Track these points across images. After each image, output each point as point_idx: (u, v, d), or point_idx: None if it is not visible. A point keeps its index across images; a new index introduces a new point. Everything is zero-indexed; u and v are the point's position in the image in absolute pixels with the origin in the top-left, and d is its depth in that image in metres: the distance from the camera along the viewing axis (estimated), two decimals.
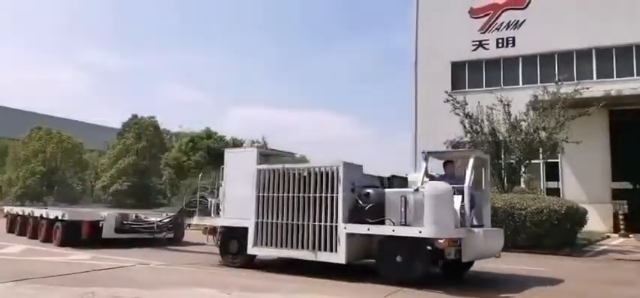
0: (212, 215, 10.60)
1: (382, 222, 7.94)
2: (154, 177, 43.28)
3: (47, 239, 13.45)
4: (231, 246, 9.80)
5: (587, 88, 17.54)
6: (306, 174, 8.70)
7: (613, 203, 19.91)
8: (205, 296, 7.01)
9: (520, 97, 18.55)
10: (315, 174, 8.57)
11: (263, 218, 9.12)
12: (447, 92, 19.48)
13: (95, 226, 12.95)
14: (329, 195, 8.34)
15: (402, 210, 7.72)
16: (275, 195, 9.04)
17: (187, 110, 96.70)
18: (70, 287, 7.06)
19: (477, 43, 23.15)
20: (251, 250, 9.28)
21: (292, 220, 8.73)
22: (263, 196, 9.18)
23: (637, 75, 19.96)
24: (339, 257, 8.14)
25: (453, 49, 23.33)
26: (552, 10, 21.69)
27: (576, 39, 20.86)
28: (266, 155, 10.04)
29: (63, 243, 12.63)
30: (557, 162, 20.56)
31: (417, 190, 7.81)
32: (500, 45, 22.68)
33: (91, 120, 66.56)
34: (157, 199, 42.39)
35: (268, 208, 9.07)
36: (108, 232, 12.99)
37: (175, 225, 13.57)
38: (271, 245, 8.99)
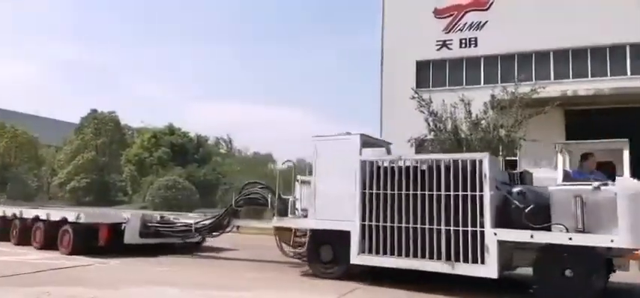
0: (285, 215, 9.18)
1: (547, 228, 6.50)
2: (114, 173, 42.16)
3: (47, 246, 11.33)
4: (324, 253, 8.30)
5: (544, 88, 18.14)
6: (434, 167, 7.32)
7: None
8: (166, 295, 6.88)
9: (482, 96, 18.97)
10: (451, 167, 7.20)
11: (373, 220, 7.64)
12: (413, 89, 19.73)
13: (116, 230, 10.87)
14: (470, 193, 6.93)
15: (578, 212, 6.31)
16: (389, 192, 7.59)
17: (149, 105, 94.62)
18: (24, 288, 6.78)
19: (441, 42, 23.59)
20: (356, 259, 7.70)
21: (416, 224, 7.27)
22: (371, 193, 7.73)
23: (591, 76, 20.81)
24: (488, 269, 6.68)
25: (418, 49, 23.69)
26: (513, 12, 22.33)
27: (535, 41, 21.55)
28: (370, 143, 8.69)
29: (75, 251, 10.62)
30: (516, 160, 21.21)
31: (597, 188, 6.38)
32: (463, 45, 23.19)
33: (48, 114, 64.15)
34: (116, 196, 41.33)
35: (380, 208, 7.62)
36: (131, 237, 10.88)
37: (217, 228, 11.25)
38: (386, 254, 7.45)
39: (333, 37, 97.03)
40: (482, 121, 17.78)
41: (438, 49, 23.62)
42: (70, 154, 40.75)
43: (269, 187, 10.52)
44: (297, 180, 9.44)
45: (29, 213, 12.37)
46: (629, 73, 20.31)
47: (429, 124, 18.44)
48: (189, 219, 12.75)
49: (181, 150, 41.67)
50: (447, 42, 23.53)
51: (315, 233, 8.39)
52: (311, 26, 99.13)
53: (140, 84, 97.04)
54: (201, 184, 35.22)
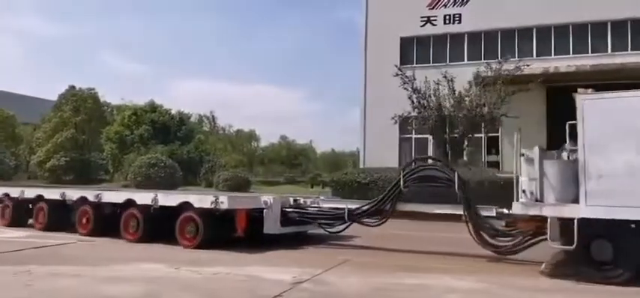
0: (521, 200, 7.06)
1: None
2: (95, 151, 41.51)
3: (150, 238, 9.19)
4: (601, 251, 6.40)
5: (528, 65, 18.30)
6: None
7: None
8: (151, 271, 6.82)
9: (465, 73, 19.14)
10: None
11: None
12: (396, 66, 19.73)
13: (254, 217, 8.89)
14: None
15: None
16: None
17: (129, 82, 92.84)
18: (4, 266, 6.65)
19: (426, 18, 23.50)
20: None
21: None
22: None
23: (573, 53, 21.01)
24: None
25: (402, 25, 23.57)
26: None
27: (518, 17, 21.61)
28: None
29: (202, 244, 8.53)
30: (498, 136, 21.45)
31: None
32: (447, 21, 23.13)
33: (25, 91, 62.53)
34: (98, 175, 40.76)
35: None
36: (272, 225, 8.92)
37: (377, 214, 8.98)
38: None
39: (316, 12, 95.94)
40: (466, 98, 17.97)
41: (422, 25, 23.54)
42: (49, 132, 39.88)
43: (447, 164, 8.85)
44: (522, 155, 7.55)
45: (143, 197, 9.67)
46: (609, 49, 20.55)
47: (412, 101, 18.57)
48: (330, 201, 10.41)
49: (163, 128, 41.13)
50: (431, 18, 23.45)
51: (585, 224, 6.34)
52: (293, 1, 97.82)
53: (117, 60, 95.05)
54: (184, 162, 34.89)
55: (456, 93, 17.89)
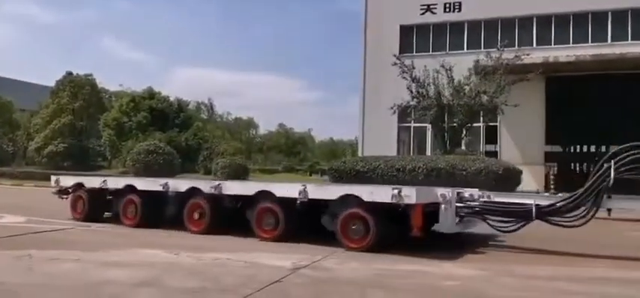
0: None
1: None
2: (93, 138, 41.46)
3: (283, 236, 7.95)
4: None
5: (528, 54, 18.28)
6: None
7: (545, 165, 21.15)
8: (150, 256, 6.83)
9: (465, 62, 19.10)
10: None
11: None
12: (395, 55, 19.68)
13: (429, 213, 7.31)
14: None
15: None
16: None
17: (127, 69, 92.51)
18: (4, 251, 6.66)
19: (426, 6, 23.40)
20: None
21: None
22: None
23: (573, 43, 20.97)
24: None
25: (402, 13, 23.48)
26: None
27: (518, 6, 21.54)
28: None
29: (373, 246, 7.18)
30: (496, 126, 21.47)
31: None
32: (447, 9, 23.05)
33: (22, 77, 62.23)
34: (96, 161, 40.75)
35: None
36: (448, 223, 7.40)
37: (574, 210, 7.31)
38: None
39: (317, 1, 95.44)
40: (466, 87, 17.97)
41: (422, 13, 23.44)
42: (47, 118, 39.77)
43: None
44: None
45: (283, 189, 8.22)
46: (609, 39, 20.51)
47: (411, 91, 18.57)
48: (505, 195, 8.92)
49: (161, 115, 41.06)
50: (431, 6, 23.35)
51: None
52: None
53: (116, 46, 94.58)
54: (182, 149, 34.89)
55: (456, 82, 17.87)
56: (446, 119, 18.11)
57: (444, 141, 18.14)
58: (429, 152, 21.73)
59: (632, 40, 20.05)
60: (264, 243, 8.00)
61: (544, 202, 7.64)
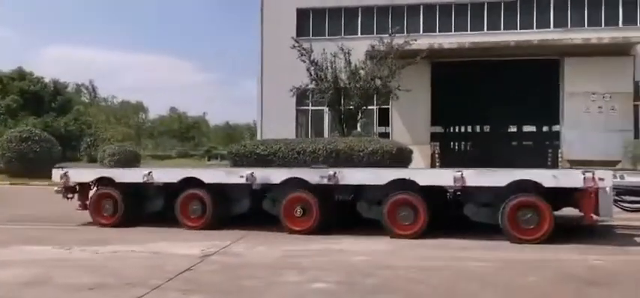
0: None
1: None
2: None
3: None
4: None
5: (415, 40, 19.41)
6: None
7: (431, 144, 22.79)
8: (39, 253, 6.20)
9: (360, 47, 19.75)
10: None
11: None
12: (293, 38, 19.74)
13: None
14: None
15: None
16: None
17: None
18: None
19: None
20: None
21: None
22: None
23: (455, 31, 22.68)
24: None
25: None
26: None
27: None
28: None
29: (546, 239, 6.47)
30: (388, 109, 22.61)
31: None
32: None
33: None
34: None
35: None
36: (606, 207, 6.71)
37: None
38: None
39: None
40: (361, 71, 18.60)
41: None
42: None
43: None
44: None
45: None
46: (485, 28, 22.52)
47: (310, 74, 18.78)
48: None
49: (35, 98, 37.07)
50: None
51: None
52: None
53: None
54: (61, 136, 31.84)
55: (352, 66, 18.40)
56: (342, 102, 18.62)
57: (341, 123, 18.66)
58: (326, 134, 22.24)
59: (504, 29, 22.23)
60: (172, 233, 7.59)
61: None
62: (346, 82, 18.43)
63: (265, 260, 5.86)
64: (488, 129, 42.29)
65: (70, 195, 8.56)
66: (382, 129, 23.91)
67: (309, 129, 23.56)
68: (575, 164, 17.99)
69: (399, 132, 21.84)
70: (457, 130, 44.98)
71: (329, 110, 20.04)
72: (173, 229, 7.71)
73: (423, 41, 20.57)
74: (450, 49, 20.89)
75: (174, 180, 8.05)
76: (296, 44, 18.82)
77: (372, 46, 19.06)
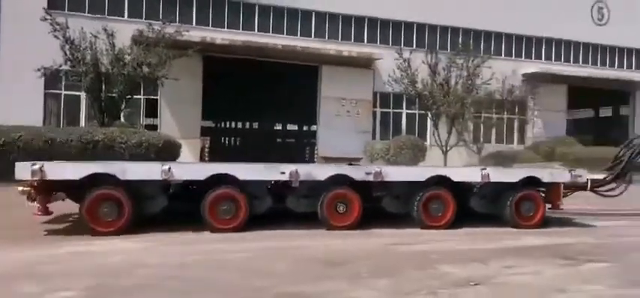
0: None
1: None
2: None
3: None
4: None
5: (187, 31, 19.00)
6: None
7: (201, 138, 22.66)
8: None
9: (125, 30, 18.30)
10: None
11: None
12: (44, 9, 17.10)
13: None
14: None
15: None
16: None
17: None
18: None
19: None
20: None
21: None
22: None
23: (228, 27, 22.99)
24: None
25: None
26: None
27: None
28: None
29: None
30: (157, 100, 21.60)
31: None
32: None
33: None
34: None
35: None
36: None
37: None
38: None
39: None
40: (126, 56, 17.25)
41: None
42: None
43: None
44: None
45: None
46: (256, 29, 23.52)
47: (65, 53, 16.51)
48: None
49: None
50: None
51: None
52: None
53: None
54: None
55: (116, 49, 16.97)
56: (103, 88, 16.99)
57: (102, 112, 17.01)
58: (83, 123, 19.92)
59: (273, 32, 23.55)
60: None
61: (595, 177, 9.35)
62: (109, 67, 16.91)
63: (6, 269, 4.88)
64: (257, 126, 44.36)
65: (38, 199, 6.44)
66: (150, 121, 22.74)
67: (62, 117, 20.72)
68: (328, 160, 20.35)
69: (168, 124, 21.06)
70: (228, 126, 45.89)
71: (87, 96, 18.05)
72: None
73: (195, 33, 20.31)
74: (223, 45, 21.12)
75: (201, 178, 7.01)
76: (48, 16, 16.38)
77: (140, 32, 17.93)
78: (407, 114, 25.20)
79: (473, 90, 21.17)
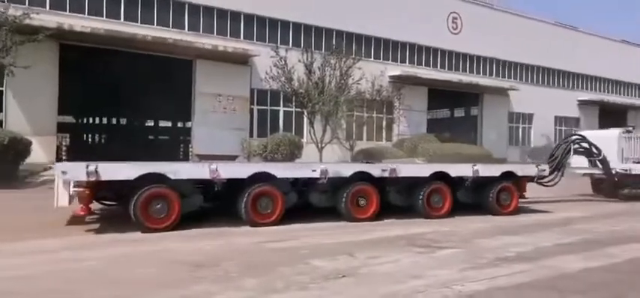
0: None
1: None
2: None
3: None
4: None
5: (37, 14, 16.96)
6: None
7: (58, 135, 20.40)
8: None
9: None
10: None
11: None
12: None
13: None
14: None
15: None
16: None
17: None
18: None
19: None
20: None
21: None
22: None
23: (89, 14, 20.96)
24: None
25: None
26: None
27: None
28: None
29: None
30: (2, 91, 18.99)
31: None
32: None
33: None
34: None
35: None
36: None
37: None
38: None
39: None
40: None
41: None
42: None
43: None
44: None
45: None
46: (122, 17, 21.80)
47: None
48: None
49: None
50: None
51: None
52: None
53: None
54: None
55: None
56: None
57: None
58: None
59: (141, 22, 21.99)
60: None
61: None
62: None
63: None
64: (125, 122, 41.36)
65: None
66: None
67: None
68: (202, 158, 19.66)
69: (17, 120, 18.60)
70: (92, 122, 42.10)
71: None
72: None
73: (49, 18, 18.27)
74: (83, 33, 19.17)
75: (244, 176, 7.59)
76: None
77: None
78: (284, 111, 25.40)
79: (345, 90, 22.00)
